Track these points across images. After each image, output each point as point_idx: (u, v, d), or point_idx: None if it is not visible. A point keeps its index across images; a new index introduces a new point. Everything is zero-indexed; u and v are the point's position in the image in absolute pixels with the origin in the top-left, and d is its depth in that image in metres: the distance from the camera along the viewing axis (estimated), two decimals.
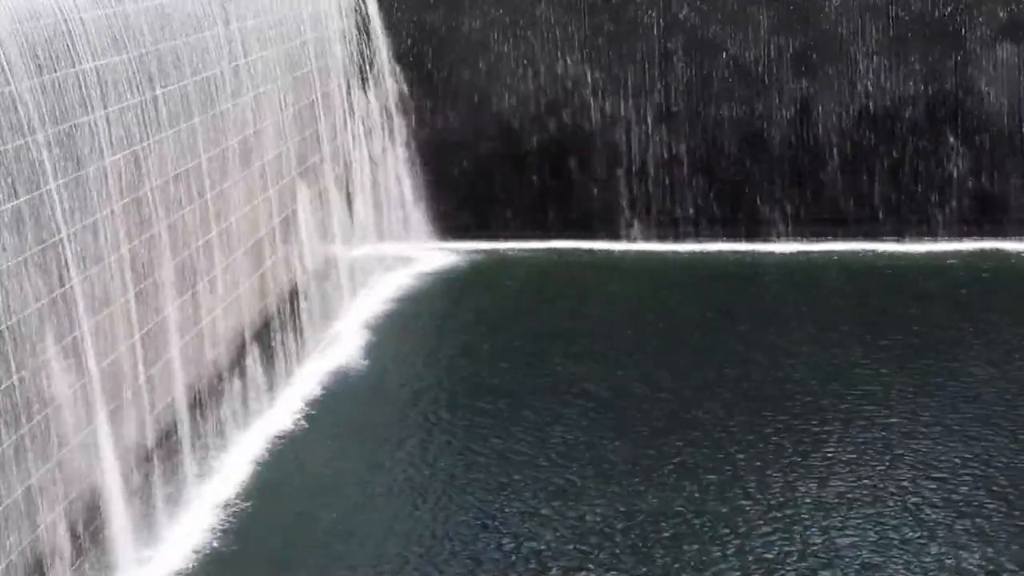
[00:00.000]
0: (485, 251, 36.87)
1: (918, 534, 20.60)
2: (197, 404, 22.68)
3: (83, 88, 18.98)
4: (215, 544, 20.56)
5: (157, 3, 22.57)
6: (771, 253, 36.09)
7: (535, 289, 34.23)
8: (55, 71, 18.24)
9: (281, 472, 23.18)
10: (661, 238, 37.09)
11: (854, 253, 35.72)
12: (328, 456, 24.35)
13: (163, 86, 22.27)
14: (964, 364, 27.43)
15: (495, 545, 20.81)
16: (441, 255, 36.46)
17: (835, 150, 36.39)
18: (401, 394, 27.39)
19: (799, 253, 35.99)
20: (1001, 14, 35.36)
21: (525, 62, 36.91)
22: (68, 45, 18.80)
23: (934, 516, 21.12)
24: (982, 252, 35.30)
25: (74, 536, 17.84)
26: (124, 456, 19.43)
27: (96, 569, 18.47)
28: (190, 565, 19.92)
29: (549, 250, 36.86)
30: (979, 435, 23.89)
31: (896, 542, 20.38)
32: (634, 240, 37.10)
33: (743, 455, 23.62)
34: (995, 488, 21.95)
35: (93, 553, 18.43)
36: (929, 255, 35.38)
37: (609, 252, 36.69)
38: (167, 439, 21.37)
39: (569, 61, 36.77)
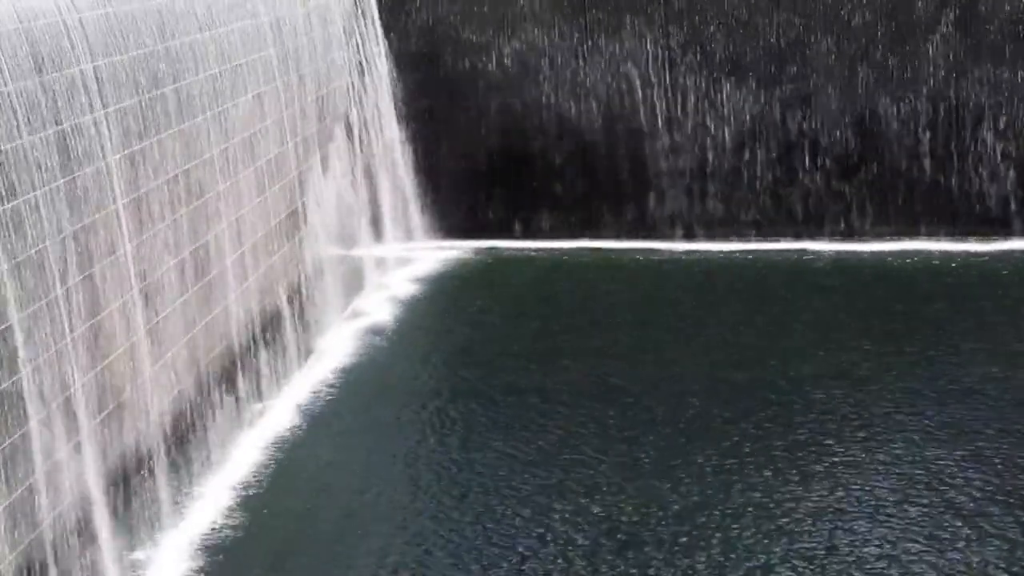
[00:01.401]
0: (489, 251, 36.73)
1: (943, 534, 20.49)
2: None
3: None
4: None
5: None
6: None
7: (542, 289, 34.07)
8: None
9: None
10: (685, 237, 36.89)
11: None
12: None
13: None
14: None
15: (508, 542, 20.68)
16: (441, 255, 36.31)
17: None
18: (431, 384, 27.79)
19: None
20: None
21: (530, 59, 36.72)
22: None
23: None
24: None
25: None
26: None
27: None
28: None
29: (550, 250, 36.68)
30: None
31: (917, 542, 20.26)
32: (660, 239, 36.90)
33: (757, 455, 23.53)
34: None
35: None
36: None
37: (623, 251, 36.43)
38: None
39: (575, 56, 36.58)
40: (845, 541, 20.30)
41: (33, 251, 17.05)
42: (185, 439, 21.77)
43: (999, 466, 22.36)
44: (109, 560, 18.27)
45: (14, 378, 16.09)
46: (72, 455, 17.51)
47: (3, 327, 16.08)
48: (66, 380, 17.62)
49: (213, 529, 20.81)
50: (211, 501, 21.60)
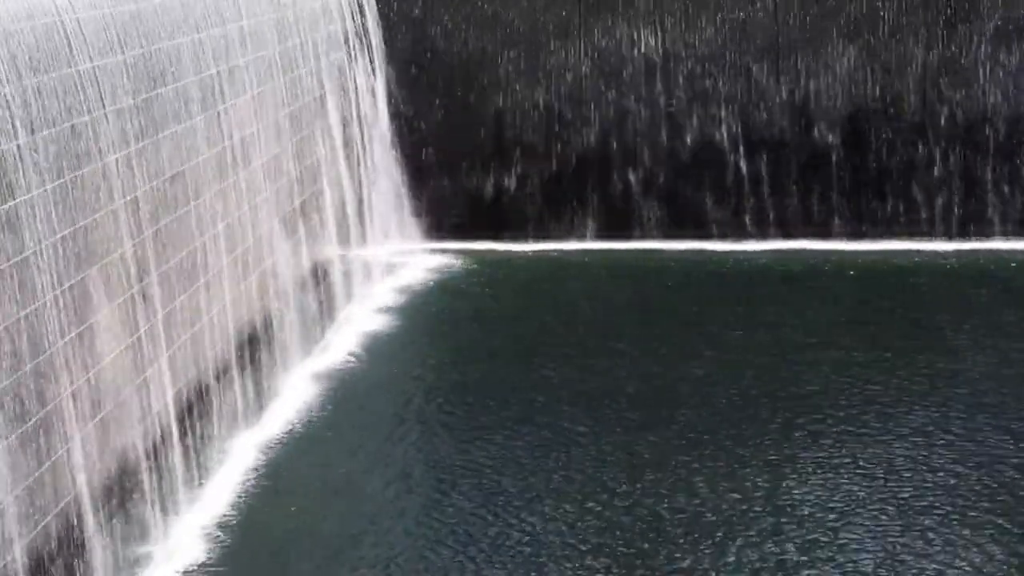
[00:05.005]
0: (483, 252, 36.65)
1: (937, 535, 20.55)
2: None
3: None
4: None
5: None
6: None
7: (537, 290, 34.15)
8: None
9: None
10: (680, 237, 36.97)
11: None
12: None
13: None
14: None
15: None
16: (434, 257, 36.25)
17: None
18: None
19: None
20: None
21: (525, 59, 36.80)
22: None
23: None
24: None
25: None
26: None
27: None
28: None
29: (545, 251, 36.73)
30: None
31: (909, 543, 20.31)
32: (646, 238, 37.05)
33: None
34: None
35: None
36: None
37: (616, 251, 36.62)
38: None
39: (569, 55, 36.66)
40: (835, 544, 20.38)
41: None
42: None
43: None
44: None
45: None
46: None
47: None
48: None
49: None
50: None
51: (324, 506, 22.10)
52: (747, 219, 36.65)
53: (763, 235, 36.58)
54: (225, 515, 21.58)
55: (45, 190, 17.57)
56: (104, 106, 19.88)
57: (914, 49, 35.67)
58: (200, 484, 22.42)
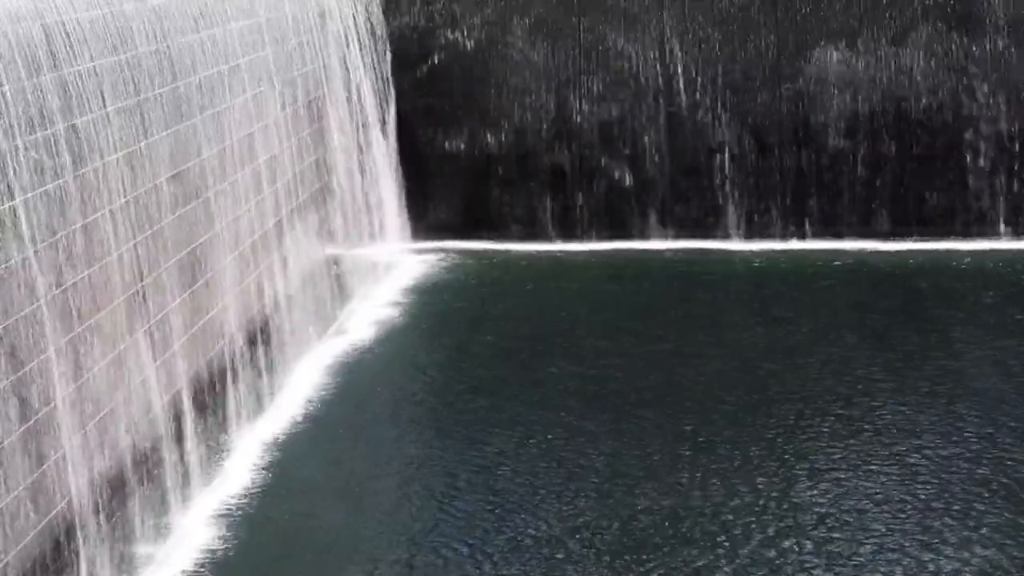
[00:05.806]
0: (485, 251, 36.62)
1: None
2: None
3: None
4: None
5: None
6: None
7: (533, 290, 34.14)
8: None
9: None
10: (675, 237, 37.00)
11: None
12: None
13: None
14: None
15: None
16: (436, 256, 36.28)
17: None
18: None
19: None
20: None
21: (527, 57, 36.83)
22: None
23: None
24: None
25: None
26: None
27: None
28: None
29: (548, 251, 36.72)
30: None
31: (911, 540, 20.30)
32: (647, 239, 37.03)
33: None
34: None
35: None
36: None
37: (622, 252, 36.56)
38: None
39: (571, 55, 36.69)
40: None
41: None
42: None
43: None
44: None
45: None
46: None
47: None
48: None
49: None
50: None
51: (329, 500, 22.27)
52: (749, 219, 36.66)
53: (765, 235, 36.60)
54: (235, 502, 21.74)
55: None
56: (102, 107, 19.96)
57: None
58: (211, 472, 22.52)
